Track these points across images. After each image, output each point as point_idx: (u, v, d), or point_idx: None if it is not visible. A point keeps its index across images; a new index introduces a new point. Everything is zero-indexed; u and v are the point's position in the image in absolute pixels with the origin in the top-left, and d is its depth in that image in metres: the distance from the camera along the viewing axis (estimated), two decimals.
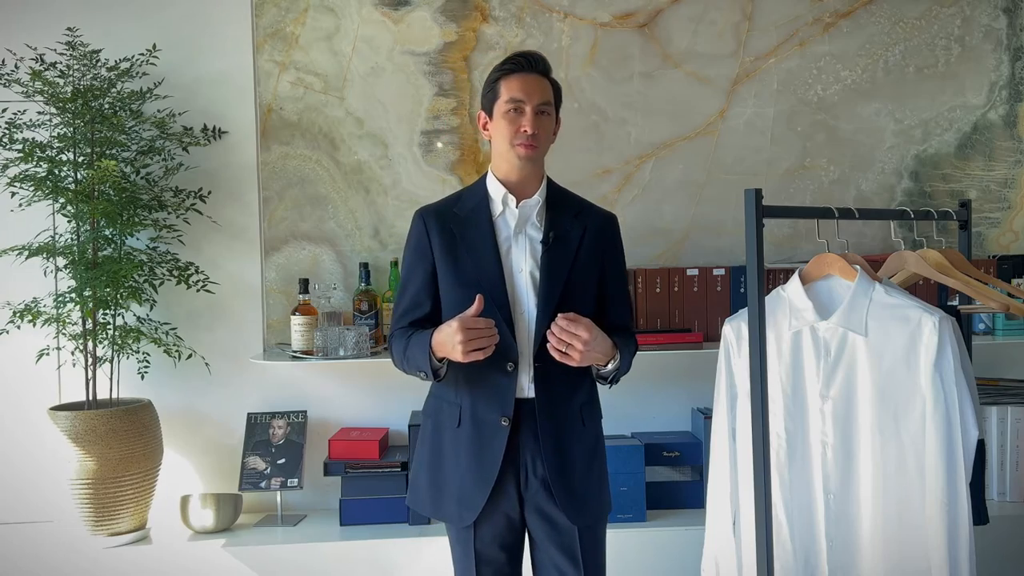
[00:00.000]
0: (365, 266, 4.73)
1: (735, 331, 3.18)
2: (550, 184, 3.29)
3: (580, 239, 3.21)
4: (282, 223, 4.86)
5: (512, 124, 3.14)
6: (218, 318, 4.81)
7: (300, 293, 4.69)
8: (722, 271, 4.71)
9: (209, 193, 4.73)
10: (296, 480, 4.60)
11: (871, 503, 3.00)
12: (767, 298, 3.05)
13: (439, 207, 3.30)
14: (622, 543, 4.36)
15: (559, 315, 3.04)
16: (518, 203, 3.20)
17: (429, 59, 4.85)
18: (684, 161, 4.98)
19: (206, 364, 4.73)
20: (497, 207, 3.21)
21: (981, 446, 2.98)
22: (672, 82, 4.97)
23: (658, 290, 4.69)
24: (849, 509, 3.04)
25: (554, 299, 3.13)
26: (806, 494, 3.09)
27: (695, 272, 4.71)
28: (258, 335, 4.84)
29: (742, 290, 4.64)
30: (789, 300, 3.11)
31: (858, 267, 3.06)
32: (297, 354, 4.58)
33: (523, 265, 3.17)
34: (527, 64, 3.15)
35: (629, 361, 3.26)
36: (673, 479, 4.70)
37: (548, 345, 3.03)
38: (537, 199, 3.21)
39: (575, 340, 3.01)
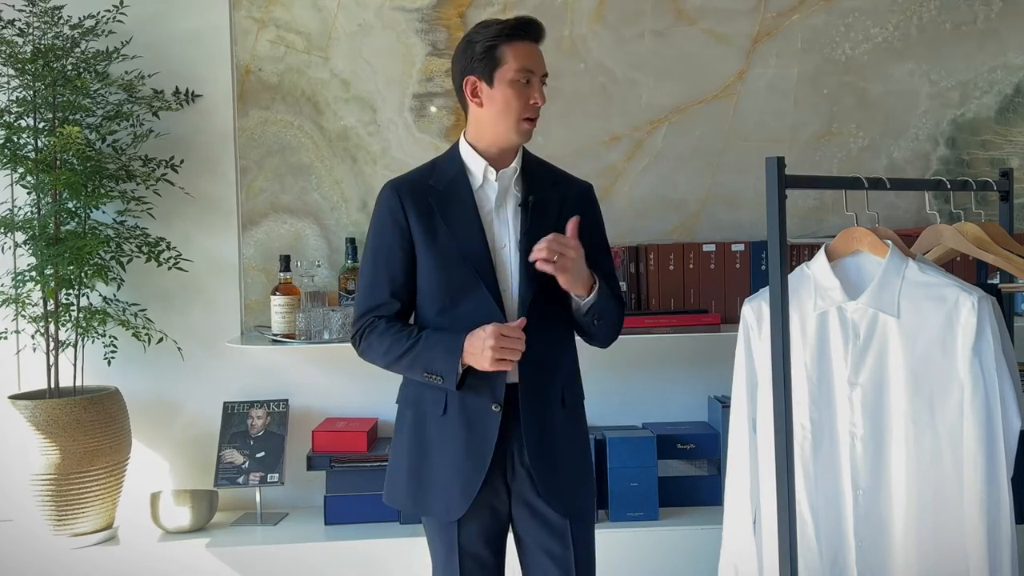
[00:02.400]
0: (352, 241, 4.72)
1: (755, 312, 3.20)
2: (525, 153, 3.32)
3: (559, 207, 3.24)
4: (261, 195, 4.87)
5: (522, 95, 3.14)
6: (191, 299, 4.81)
7: (281, 271, 4.69)
8: (741, 247, 4.73)
9: (182, 162, 4.72)
10: (277, 475, 4.61)
11: (904, 500, 3.00)
12: (790, 276, 3.03)
13: (412, 179, 3.30)
14: (632, 543, 4.38)
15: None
16: (496, 175, 3.23)
17: (421, 16, 4.85)
18: (700, 127, 4.97)
19: (178, 349, 4.71)
20: (476, 179, 3.23)
21: None
22: (686, 40, 4.96)
23: (672, 268, 4.70)
24: (880, 506, 3.04)
25: (538, 271, 3.13)
26: (833, 490, 3.09)
27: (712, 248, 4.72)
28: (235, 317, 4.85)
29: (763, 267, 4.65)
30: (814, 278, 3.11)
31: (889, 242, 3.07)
32: (278, 337, 4.59)
33: (506, 239, 3.21)
34: (536, 31, 3.19)
35: (612, 307, 3.25)
36: (688, 473, 4.71)
37: (537, 258, 3.05)
38: (515, 167, 3.25)
39: (566, 250, 3.04)
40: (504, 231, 3.21)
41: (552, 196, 3.26)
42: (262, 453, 4.65)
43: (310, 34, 4.85)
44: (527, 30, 3.17)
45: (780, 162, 2.85)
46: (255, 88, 4.84)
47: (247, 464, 4.64)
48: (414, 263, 3.22)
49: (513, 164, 3.24)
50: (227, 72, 4.81)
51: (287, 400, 4.78)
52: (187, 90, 4.76)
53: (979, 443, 2.89)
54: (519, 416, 3.16)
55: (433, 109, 4.87)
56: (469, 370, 3.11)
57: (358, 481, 4.57)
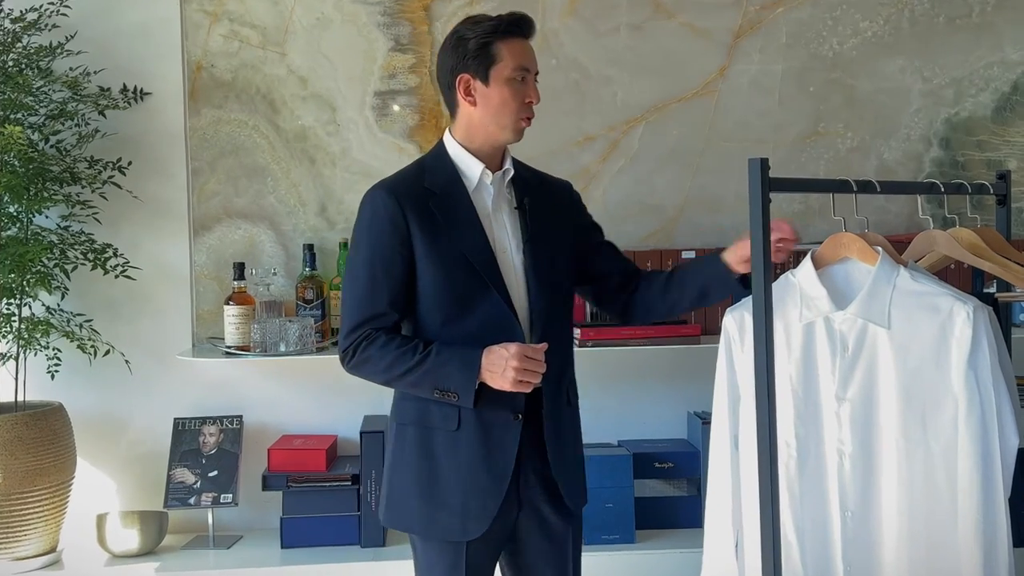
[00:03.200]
0: (310, 248, 4.69)
1: (737, 323, 3.12)
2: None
3: (552, 208, 3.30)
4: (214, 199, 4.82)
5: (518, 93, 3.15)
6: (140, 308, 4.75)
7: (235, 279, 4.65)
8: None
9: (129, 164, 4.65)
10: (230, 496, 4.57)
11: (895, 521, 2.95)
12: (774, 285, 2.99)
13: (405, 180, 3.24)
14: (608, 568, 4.34)
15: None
16: (492, 177, 3.23)
17: (384, 8, 4.81)
18: (678, 126, 4.95)
19: (126, 362, 4.65)
20: (471, 182, 3.21)
21: (1023, 455, 2.94)
22: (665, 35, 4.93)
23: None
24: (870, 529, 2.99)
25: (544, 274, 3.19)
26: (820, 511, 3.04)
27: (691, 255, 4.63)
28: (186, 328, 4.80)
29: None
30: (800, 287, 3.06)
31: (879, 249, 3.02)
32: (231, 350, 4.56)
33: (507, 244, 3.20)
34: (528, 28, 3.20)
35: None
36: (666, 494, 4.68)
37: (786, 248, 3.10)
38: (509, 168, 3.26)
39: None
40: (503, 235, 3.21)
41: (544, 198, 3.30)
42: (215, 472, 4.60)
43: (265, 28, 4.80)
44: (521, 26, 3.17)
45: (764, 164, 2.80)
46: (207, 85, 4.79)
47: (199, 484, 4.58)
48: (413, 272, 3.16)
49: (506, 166, 3.25)
50: (177, 68, 4.76)
51: (241, 416, 4.72)
52: (135, 87, 4.70)
53: (975, 462, 2.83)
54: (537, 423, 3.17)
55: (396, 108, 4.82)
56: (483, 386, 3.08)
57: (317, 502, 4.51)
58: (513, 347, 2.99)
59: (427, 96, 4.80)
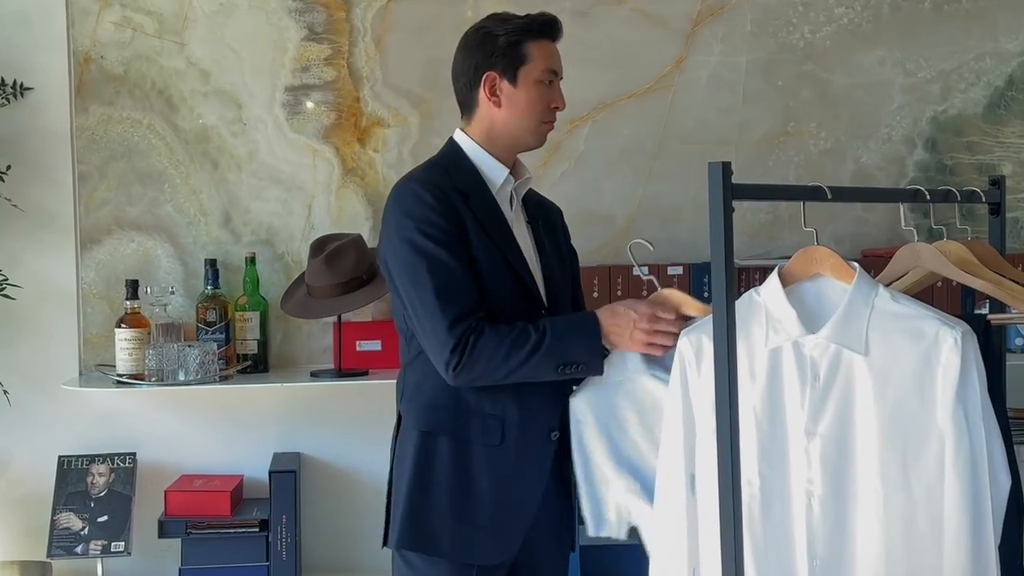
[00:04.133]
0: (212, 263, 4.55)
1: (694, 347, 2.94)
2: None
3: (552, 228, 3.38)
4: (104, 207, 4.67)
5: (544, 96, 3.19)
6: (19, 331, 4.59)
7: (127, 299, 4.48)
8: (680, 269, 4.61)
9: (8, 168, 4.50)
10: (122, 544, 4.40)
11: (870, 571, 2.79)
12: (736, 304, 2.79)
13: (438, 180, 3.18)
14: None
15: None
16: (515, 183, 3.29)
17: None
18: (630, 126, 4.85)
19: (4, 392, 4.43)
20: (495, 186, 3.23)
21: (1016, 494, 2.81)
22: (614, 23, 4.83)
23: (596, 295, 4.47)
24: None
25: (557, 290, 3.26)
26: (785, 559, 2.86)
27: (644, 271, 4.32)
28: (72, 354, 4.63)
29: (706, 293, 4.37)
30: (766, 307, 2.89)
31: (856, 265, 2.87)
32: (123, 379, 4.40)
33: (530, 253, 3.26)
34: (558, 31, 3.23)
35: None
36: (616, 541, 4.28)
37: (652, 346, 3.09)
38: (529, 177, 3.32)
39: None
40: (526, 244, 3.26)
41: (546, 217, 3.39)
42: (105, 517, 4.43)
43: (162, 15, 4.67)
44: (553, 28, 3.21)
45: (725, 168, 2.63)
46: (96, 80, 4.65)
47: (87, 530, 4.42)
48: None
49: (528, 174, 3.31)
50: (62, 60, 4.60)
51: (134, 454, 4.57)
52: (14, 82, 4.55)
53: (963, 507, 2.67)
54: (564, 442, 3.20)
55: (310, 105, 4.70)
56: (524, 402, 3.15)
57: (220, 551, 4.38)
58: (643, 306, 3.03)
59: (345, 92, 4.71)
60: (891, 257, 3.15)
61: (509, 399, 3.13)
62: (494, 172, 3.21)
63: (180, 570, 4.34)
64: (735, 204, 2.66)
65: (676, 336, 2.97)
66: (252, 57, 4.66)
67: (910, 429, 2.74)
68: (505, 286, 3.15)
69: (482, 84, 3.17)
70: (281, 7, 4.66)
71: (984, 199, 3.24)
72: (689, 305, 3.13)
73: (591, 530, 3.22)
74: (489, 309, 3.11)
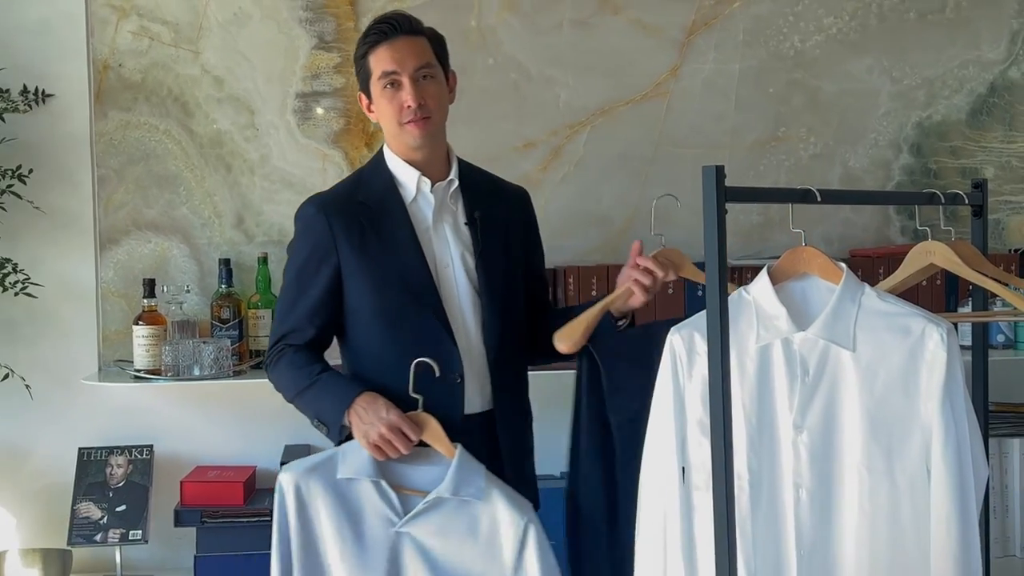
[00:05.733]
0: (227, 263, 4.60)
1: (686, 343, 2.97)
2: (460, 161, 3.38)
3: (506, 222, 3.35)
4: (122, 209, 4.71)
5: (392, 101, 3.21)
6: (42, 329, 4.65)
7: (145, 297, 4.54)
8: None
9: (30, 172, 4.54)
10: (139, 532, 4.44)
11: (853, 559, 2.86)
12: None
13: (338, 196, 3.33)
14: None
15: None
16: (432, 186, 3.27)
17: (306, 3, 4.74)
18: (627, 131, 4.89)
19: (26, 387, 4.49)
20: (409, 192, 3.26)
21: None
22: (611, 32, 4.87)
23: (594, 293, 4.46)
24: (828, 569, 2.88)
25: (498, 291, 3.25)
26: (774, 550, 2.91)
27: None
28: (92, 350, 4.68)
29: (700, 293, 4.40)
30: (756, 305, 2.94)
31: (843, 266, 2.93)
32: (141, 374, 4.45)
33: (448, 259, 3.25)
34: (392, 29, 3.22)
35: None
36: None
37: (634, 281, 3.14)
38: (452, 179, 3.29)
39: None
40: (445, 249, 3.26)
41: (497, 209, 3.34)
42: (123, 507, 4.47)
43: (178, 24, 4.72)
44: (381, 31, 3.22)
45: (719, 172, 2.69)
46: (115, 87, 4.69)
47: (106, 519, 4.45)
48: (339, 289, 3.25)
49: (450, 176, 3.29)
50: (83, 68, 4.65)
51: (152, 446, 4.61)
52: (36, 89, 4.60)
53: (951, 495, 2.74)
54: (491, 446, 3.22)
55: (320, 111, 4.74)
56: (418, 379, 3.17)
57: (233, 539, 4.38)
58: (395, 415, 3.05)
59: (353, 98, 4.60)
60: (878, 257, 3.26)
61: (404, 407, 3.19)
62: (405, 178, 3.25)
63: (195, 557, 4.35)
64: (728, 206, 2.72)
65: (401, 453, 3.06)
66: (264, 65, 4.70)
67: (895, 422, 2.80)
68: (392, 290, 3.18)
69: (362, 103, 3.31)
70: (292, 17, 4.69)
71: (967, 201, 3.31)
72: (686, 268, 3.24)
73: None
74: (376, 316, 3.19)
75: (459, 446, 3.11)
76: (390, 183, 3.26)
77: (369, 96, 3.26)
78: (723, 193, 2.71)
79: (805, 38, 4.91)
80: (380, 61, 3.17)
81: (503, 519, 3.09)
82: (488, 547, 3.11)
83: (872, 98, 4.95)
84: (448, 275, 3.23)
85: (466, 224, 3.27)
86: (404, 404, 3.12)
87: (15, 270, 4.43)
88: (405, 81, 3.15)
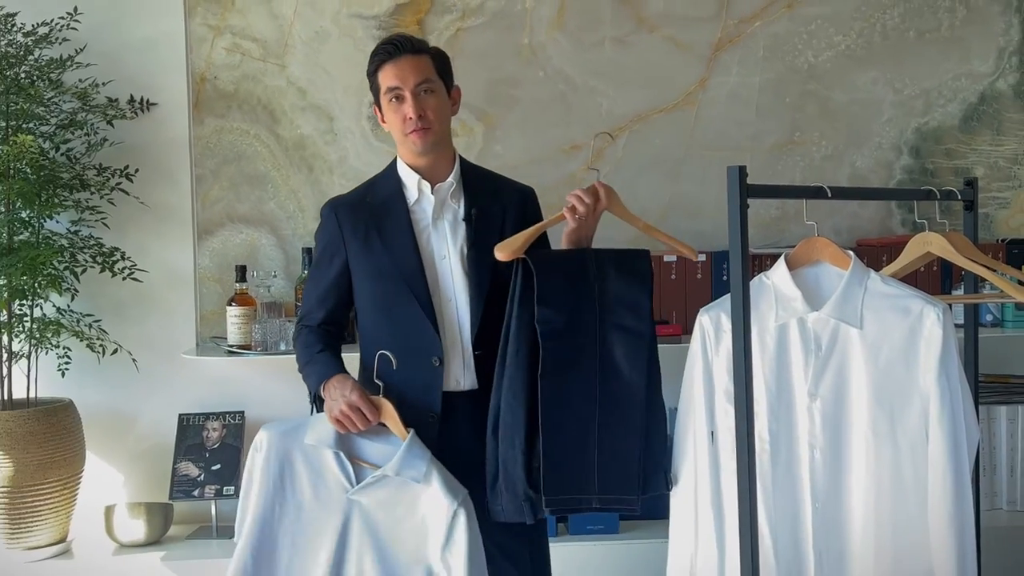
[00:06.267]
0: (308, 252, 4.66)
1: (713, 322, 3.18)
2: (463, 163, 3.50)
3: (503, 216, 3.42)
4: (217, 204, 4.92)
5: (397, 113, 3.33)
6: (146, 309, 4.84)
7: (237, 281, 4.74)
8: (703, 257, 4.71)
9: (136, 171, 4.75)
10: (233, 488, 4.60)
11: (861, 511, 3.03)
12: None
13: (350, 199, 3.52)
14: (592, 558, 4.42)
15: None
16: (432, 188, 3.40)
17: (379, 23, 4.88)
18: (660, 135, 5.01)
19: (133, 360, 4.71)
20: (412, 194, 3.41)
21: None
22: (647, 48, 5.01)
23: None
24: (838, 518, 3.06)
25: (485, 282, 3.34)
26: (791, 503, 3.10)
27: (673, 259, 4.71)
28: (191, 328, 4.88)
29: (725, 278, 4.65)
30: (775, 288, 3.13)
31: (851, 253, 3.09)
32: (233, 349, 4.63)
33: (445, 252, 3.39)
34: (396, 49, 3.34)
35: None
36: None
37: (568, 208, 3.25)
38: (452, 181, 3.42)
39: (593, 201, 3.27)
40: (442, 244, 3.39)
41: (494, 206, 3.43)
42: (218, 465, 4.68)
43: (266, 41, 4.89)
44: (386, 51, 3.35)
45: (742, 171, 2.88)
46: (211, 96, 4.88)
47: (202, 477, 4.66)
48: (347, 278, 3.44)
49: (450, 178, 3.42)
50: (182, 80, 4.84)
51: (243, 412, 4.80)
52: (142, 98, 4.79)
53: (947, 455, 2.92)
54: (475, 423, 3.29)
55: None
56: (400, 360, 3.29)
57: None
58: (356, 395, 3.21)
59: None
60: (881, 246, 3.46)
61: (393, 386, 3.31)
62: (409, 182, 3.40)
63: None
64: (750, 201, 2.88)
65: (359, 427, 3.20)
66: (342, 77, 4.84)
67: (897, 391, 2.97)
68: (387, 281, 3.34)
69: (377, 115, 3.46)
70: (367, 35, 4.82)
71: (960, 197, 3.45)
72: (615, 206, 3.36)
73: None
74: (372, 305, 3.41)
75: (412, 431, 3.22)
76: (397, 187, 3.41)
77: (379, 107, 3.41)
78: (745, 190, 2.87)
79: (817, 53, 5.01)
80: (386, 78, 3.32)
81: (438, 502, 3.16)
82: (423, 525, 3.18)
83: (876, 106, 5.04)
84: (444, 267, 3.36)
85: (464, 220, 3.39)
86: (390, 384, 3.28)
87: (123, 258, 4.58)
88: (407, 95, 3.29)
